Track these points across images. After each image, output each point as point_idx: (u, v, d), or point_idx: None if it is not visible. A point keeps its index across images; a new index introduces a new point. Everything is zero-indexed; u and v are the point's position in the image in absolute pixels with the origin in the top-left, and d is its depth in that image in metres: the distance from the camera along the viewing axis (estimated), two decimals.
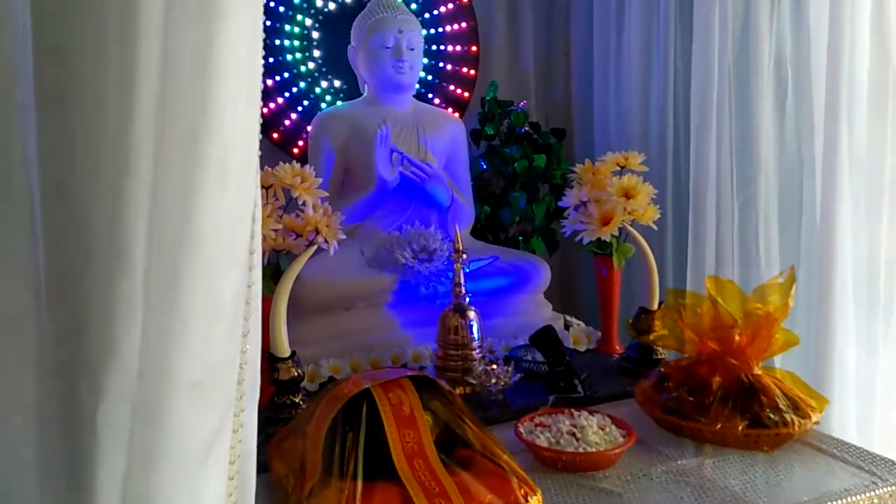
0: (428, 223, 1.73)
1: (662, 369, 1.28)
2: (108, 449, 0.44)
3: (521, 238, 2.01)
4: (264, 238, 1.26)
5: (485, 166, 1.94)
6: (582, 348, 1.66)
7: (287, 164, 1.32)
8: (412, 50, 1.70)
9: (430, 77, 2.05)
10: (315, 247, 1.27)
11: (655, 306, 1.50)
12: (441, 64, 2.07)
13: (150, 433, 0.46)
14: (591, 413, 1.19)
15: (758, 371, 1.18)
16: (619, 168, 1.61)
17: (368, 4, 1.75)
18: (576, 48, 2.24)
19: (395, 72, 1.68)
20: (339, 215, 1.39)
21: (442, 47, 2.06)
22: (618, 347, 1.64)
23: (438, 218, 1.76)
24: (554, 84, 2.29)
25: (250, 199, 0.53)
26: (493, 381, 1.31)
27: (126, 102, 0.45)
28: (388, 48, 1.68)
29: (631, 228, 1.52)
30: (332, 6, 1.93)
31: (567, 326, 1.76)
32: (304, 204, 1.29)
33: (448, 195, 1.72)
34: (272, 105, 1.90)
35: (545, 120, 2.15)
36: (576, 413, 1.18)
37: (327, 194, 1.35)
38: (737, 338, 1.17)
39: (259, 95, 0.55)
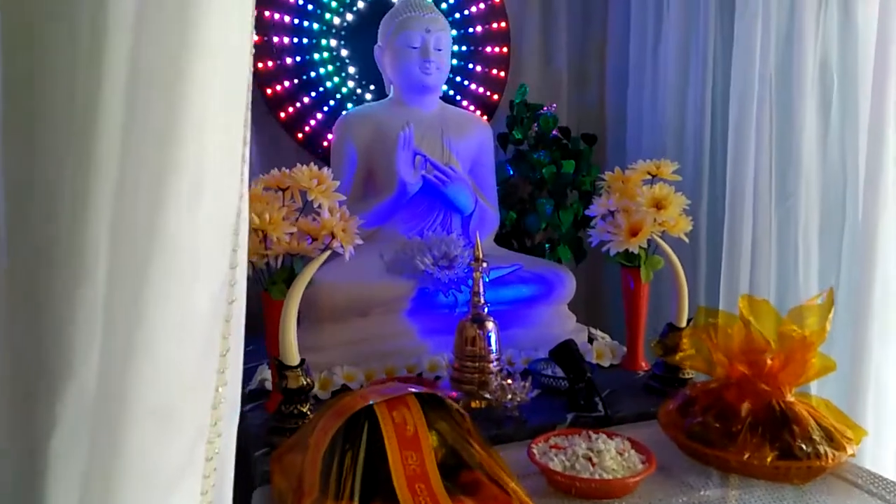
0: (451, 229, 1.68)
1: (689, 391, 1.21)
2: (61, 482, 0.41)
3: (547, 246, 1.95)
4: (278, 241, 1.23)
5: (511, 171, 1.89)
6: (606, 363, 1.60)
7: (305, 165, 1.28)
8: (439, 50, 1.66)
9: (458, 78, 2.00)
10: (329, 251, 1.23)
11: (684, 323, 1.43)
12: (471, 65, 2.02)
13: (108, 464, 0.42)
14: (609, 436, 1.13)
15: (790, 398, 1.11)
16: (650, 177, 1.55)
17: (396, 3, 1.72)
18: (611, 51, 2.17)
19: (422, 72, 1.64)
20: (356, 219, 1.36)
21: (472, 48, 2.01)
22: (644, 364, 1.57)
23: (461, 224, 1.71)
24: (587, 88, 2.22)
25: (231, 208, 0.49)
26: (509, 396, 1.26)
27: (91, 99, 0.41)
28: (414, 48, 1.64)
29: (660, 240, 1.46)
30: (360, 4, 1.89)
31: (591, 340, 1.70)
32: (319, 207, 1.26)
33: (471, 200, 1.67)
34: (297, 105, 1.88)
35: (576, 125, 2.09)
36: (593, 435, 1.13)
37: (344, 197, 1.31)
38: (769, 361, 1.10)
39: (246, 95, 0.51)
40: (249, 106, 0.53)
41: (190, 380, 0.45)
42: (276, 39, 1.83)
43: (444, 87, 1.97)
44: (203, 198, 0.44)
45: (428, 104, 1.71)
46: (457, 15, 1.99)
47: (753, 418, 1.09)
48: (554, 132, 1.91)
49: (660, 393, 1.40)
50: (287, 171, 1.28)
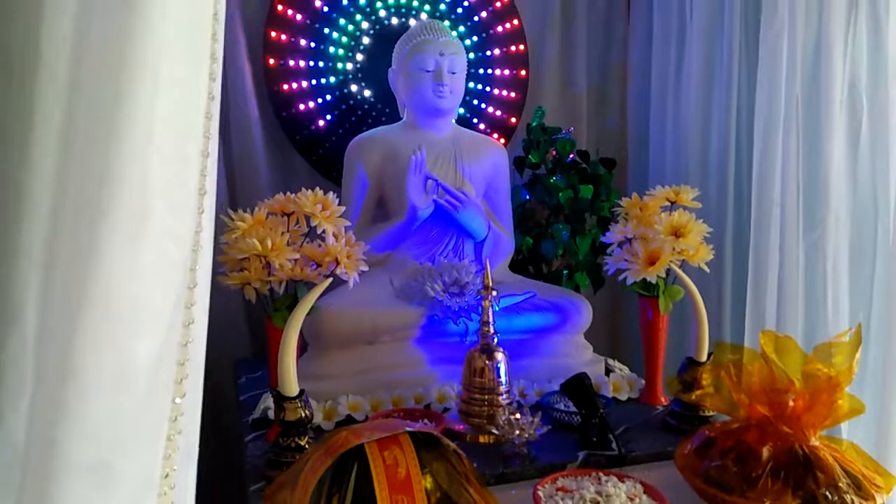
0: (463, 255, 1.64)
1: (707, 432, 1.14)
2: None
3: (565, 273, 1.89)
4: (281, 267, 1.20)
5: (527, 196, 1.84)
6: (623, 397, 1.53)
7: (311, 190, 1.26)
8: (454, 74, 1.63)
9: (475, 101, 1.97)
10: (330, 279, 1.19)
11: (704, 358, 1.36)
12: (488, 88, 1.99)
13: None
14: (621, 478, 1.07)
15: (815, 442, 1.03)
16: (669, 203, 1.49)
17: (411, 27, 1.69)
18: (633, 74, 2.12)
19: (435, 96, 1.61)
20: (362, 245, 1.32)
21: (489, 71, 1.98)
22: (663, 399, 1.50)
23: (474, 249, 1.67)
24: (607, 112, 2.18)
25: (184, 244, 0.45)
26: (517, 432, 1.20)
27: (25, 128, 0.38)
28: (428, 71, 1.61)
29: (678, 270, 1.40)
30: (381, 22, 1.88)
31: (608, 371, 1.63)
32: (324, 233, 1.22)
33: (484, 226, 1.63)
34: (311, 127, 1.86)
35: (596, 149, 2.04)
36: (604, 478, 1.07)
37: (349, 223, 1.28)
38: (791, 403, 1.03)
39: (203, 123, 0.47)
40: (214, 136, 0.49)
41: (129, 432, 0.42)
42: (291, 62, 1.82)
43: (461, 111, 1.95)
44: (146, 237, 0.41)
45: (441, 128, 1.68)
46: (475, 38, 1.97)
47: (775, 463, 1.02)
48: (572, 156, 1.86)
49: (678, 431, 1.33)
50: (291, 195, 1.25)
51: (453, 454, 0.89)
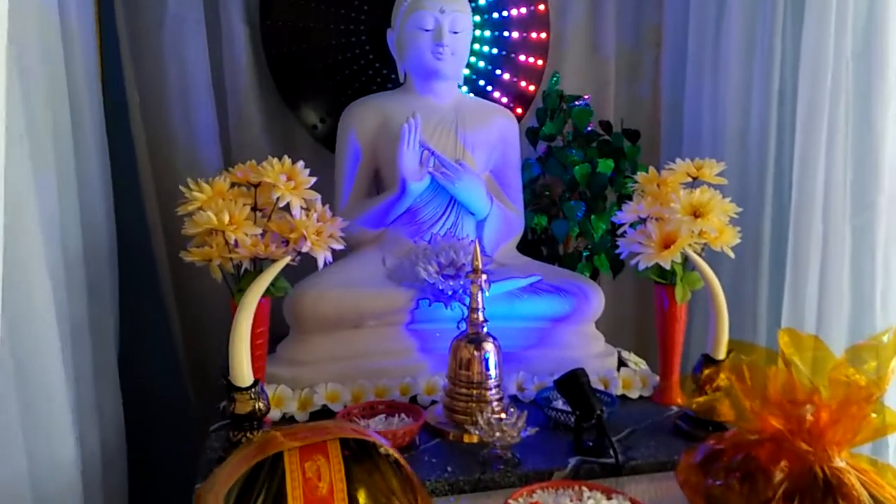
0: (463, 234, 1.50)
1: (714, 443, 0.99)
2: None
3: (585, 254, 1.74)
4: (241, 243, 1.09)
5: (537, 171, 1.68)
6: (634, 395, 1.38)
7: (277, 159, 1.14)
8: (456, 33, 1.48)
9: (489, 67, 1.82)
10: (288, 258, 1.08)
11: (721, 355, 1.20)
12: (504, 52, 1.83)
13: None
14: (608, 494, 0.93)
15: (839, 462, 0.87)
16: (690, 179, 1.32)
17: None
18: (668, 38, 1.92)
19: (434, 57, 1.47)
20: (338, 221, 1.20)
21: (506, 34, 1.82)
22: (679, 399, 1.34)
23: (475, 228, 1.53)
24: (638, 79, 1.99)
25: None
26: (497, 434, 1.07)
27: None
28: (426, 31, 1.46)
29: (694, 255, 1.23)
30: None
31: (621, 365, 1.48)
32: (287, 206, 1.11)
33: (485, 202, 1.49)
34: (314, 95, 1.74)
35: (624, 120, 1.86)
36: (587, 493, 0.93)
37: (316, 195, 1.16)
38: (809, 417, 0.87)
39: None
40: None
41: None
42: (290, 23, 1.70)
43: (474, 77, 1.79)
44: None
45: (442, 94, 1.54)
46: None
47: (789, 485, 0.87)
48: (590, 127, 1.69)
49: (689, 437, 1.18)
50: (256, 164, 1.14)
51: (395, 465, 0.77)
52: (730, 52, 1.60)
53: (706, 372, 1.19)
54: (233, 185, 1.15)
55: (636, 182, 1.38)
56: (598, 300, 1.45)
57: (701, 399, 1.09)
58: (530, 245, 1.74)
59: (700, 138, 1.71)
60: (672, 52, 1.90)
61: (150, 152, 1.68)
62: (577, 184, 1.62)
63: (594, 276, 1.74)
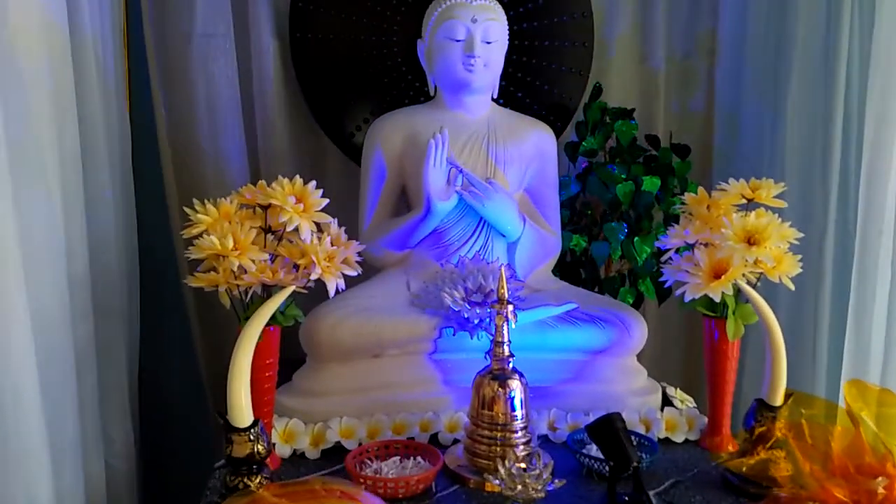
0: (492, 256, 1.41)
1: None
2: None
3: (627, 279, 1.61)
4: (245, 270, 1.02)
5: (575, 189, 1.57)
6: (678, 438, 1.25)
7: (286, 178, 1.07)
8: (488, 43, 1.39)
9: (528, 77, 1.71)
10: (292, 288, 1.00)
11: (778, 401, 1.06)
12: (544, 62, 1.72)
13: None
14: None
15: None
16: (745, 202, 1.19)
17: None
18: (723, 46, 1.78)
19: (465, 69, 1.38)
20: (354, 245, 1.12)
21: (546, 42, 1.71)
22: (730, 445, 1.21)
23: (507, 251, 1.42)
24: (690, 91, 1.85)
25: None
26: (520, 487, 0.96)
27: None
28: (457, 41, 1.38)
29: (747, 287, 1.10)
30: None
31: (665, 404, 1.35)
32: (295, 230, 1.03)
33: (517, 223, 1.39)
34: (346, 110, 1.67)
35: (674, 135, 1.73)
36: None
37: (330, 218, 1.08)
38: (882, 490, 0.73)
39: None
40: None
41: None
42: (321, 35, 1.63)
43: (511, 88, 1.69)
44: None
45: (474, 108, 1.44)
46: (529, 4, 1.70)
47: None
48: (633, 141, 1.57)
49: (740, 493, 1.04)
50: (265, 186, 1.07)
51: None
52: (792, 61, 1.46)
53: (761, 419, 1.05)
54: (242, 206, 1.09)
55: (683, 203, 1.25)
56: (639, 332, 1.33)
57: (752, 461, 0.95)
58: (569, 268, 1.62)
59: (761, 155, 1.56)
60: (728, 61, 1.76)
61: (175, 169, 1.64)
62: (620, 203, 1.50)
63: (638, 301, 1.62)
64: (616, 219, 1.52)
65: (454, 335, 1.27)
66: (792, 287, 1.14)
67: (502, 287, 1.11)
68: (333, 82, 1.65)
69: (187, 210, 1.05)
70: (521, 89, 1.70)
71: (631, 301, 1.58)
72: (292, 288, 0.99)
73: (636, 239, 1.50)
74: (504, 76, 1.50)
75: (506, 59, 1.47)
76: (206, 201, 1.05)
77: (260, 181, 1.07)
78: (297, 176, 1.08)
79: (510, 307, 1.11)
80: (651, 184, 1.50)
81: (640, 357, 1.40)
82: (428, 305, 1.31)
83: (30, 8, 0.98)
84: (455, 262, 1.39)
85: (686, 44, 1.84)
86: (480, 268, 1.35)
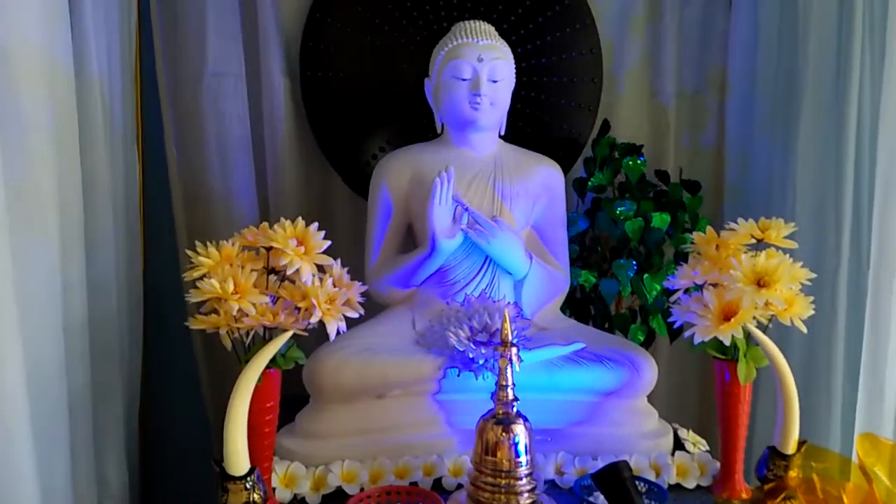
0: (499, 294, 1.39)
1: None
2: None
3: (638, 315, 1.59)
4: (245, 313, 1.01)
5: (584, 225, 1.55)
6: (690, 484, 1.22)
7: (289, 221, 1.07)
8: (495, 82, 1.39)
9: (537, 113, 1.71)
10: (290, 332, 0.99)
11: (791, 449, 1.02)
12: (552, 98, 1.72)
13: None
14: None
15: None
16: (754, 241, 1.17)
17: (451, 29, 1.47)
18: (734, 81, 1.77)
19: (471, 107, 1.38)
20: (357, 286, 1.11)
21: (555, 79, 1.71)
22: (743, 493, 1.17)
23: (513, 288, 1.41)
24: (701, 126, 1.83)
25: None
26: None
27: None
28: (464, 80, 1.38)
29: (756, 331, 1.07)
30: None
31: (677, 446, 1.32)
32: (296, 272, 1.02)
33: (523, 261, 1.38)
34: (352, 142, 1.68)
35: (678, 169, 1.71)
36: None
37: (331, 260, 1.07)
38: None
39: None
40: None
41: None
42: (330, 73, 1.65)
43: (519, 124, 1.69)
44: None
45: (480, 145, 1.44)
46: (538, 41, 1.71)
47: None
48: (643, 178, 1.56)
49: None
50: (268, 228, 1.06)
51: None
52: (802, 97, 1.45)
53: (773, 468, 1.02)
54: (245, 248, 1.08)
55: (692, 242, 1.23)
56: (649, 373, 1.30)
57: None
58: (578, 304, 1.60)
59: (771, 192, 1.54)
60: (739, 97, 1.75)
61: (185, 207, 1.65)
62: (629, 239, 1.48)
63: (650, 338, 1.59)
64: (625, 255, 1.50)
65: (458, 376, 1.25)
66: (804, 330, 1.11)
67: (506, 329, 1.09)
68: (343, 119, 1.66)
69: (189, 253, 1.05)
70: (529, 125, 1.70)
71: (642, 339, 1.55)
72: (290, 332, 0.98)
73: (646, 276, 1.48)
74: (513, 112, 1.49)
75: (515, 95, 1.47)
76: (208, 244, 1.05)
77: (263, 223, 1.07)
78: (300, 218, 1.07)
79: (514, 349, 1.09)
80: (661, 220, 1.48)
81: (652, 396, 1.36)
82: (433, 345, 1.29)
83: (32, 47, 0.98)
84: (461, 300, 1.37)
85: (696, 79, 1.83)
86: (486, 306, 1.33)
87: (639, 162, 1.53)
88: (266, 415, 1.08)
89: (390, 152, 1.48)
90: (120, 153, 1.36)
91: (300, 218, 1.07)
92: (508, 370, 1.09)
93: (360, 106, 1.65)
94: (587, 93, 1.72)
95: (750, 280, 1.09)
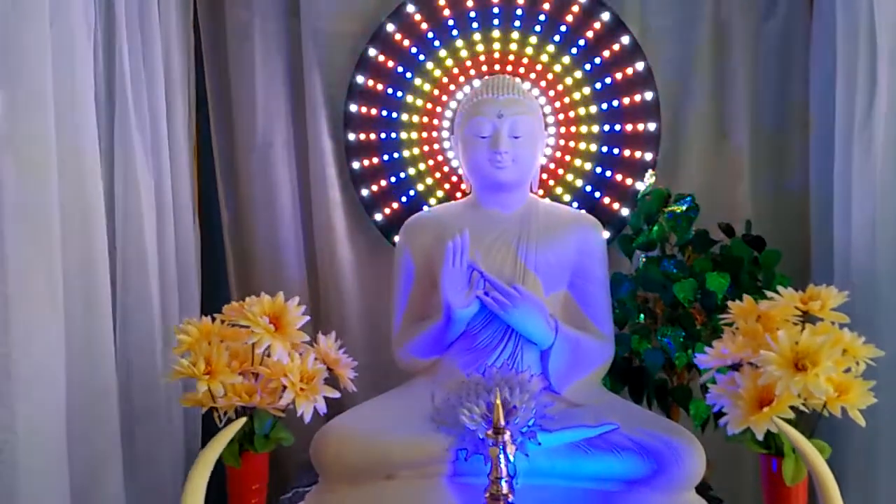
0: (522, 365, 1.27)
1: None
2: None
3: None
4: (215, 394, 0.98)
5: (626, 288, 1.40)
6: None
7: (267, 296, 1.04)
8: (517, 138, 1.30)
9: (592, 165, 1.60)
10: (244, 419, 0.94)
11: None
12: (607, 149, 1.60)
13: None
14: None
15: None
16: (800, 313, 0.98)
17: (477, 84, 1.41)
18: (815, 118, 1.55)
19: (493, 167, 1.30)
20: (347, 361, 1.06)
21: (606, 127, 1.60)
22: None
23: (540, 359, 1.29)
24: (783, 169, 1.63)
25: None
26: None
27: None
28: (483, 138, 1.31)
29: (786, 426, 0.89)
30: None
31: None
32: (267, 353, 0.99)
33: (546, 331, 1.25)
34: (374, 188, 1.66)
35: (762, 221, 1.51)
36: None
37: (306, 337, 1.03)
38: None
39: None
40: None
41: None
42: (373, 136, 1.65)
43: (578, 182, 1.59)
44: None
45: (508, 203, 1.35)
46: (597, 85, 1.60)
47: None
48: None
49: None
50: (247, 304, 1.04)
51: None
52: (877, 134, 1.23)
53: None
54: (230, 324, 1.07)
55: (729, 313, 1.06)
56: (693, 462, 1.12)
57: None
58: (632, 374, 1.44)
59: (849, 246, 1.32)
60: (820, 137, 1.53)
61: (236, 268, 1.70)
62: (678, 305, 1.32)
63: (716, 416, 1.39)
64: (675, 320, 1.34)
65: (466, 460, 1.15)
66: (862, 423, 0.91)
67: (497, 414, 0.99)
68: (382, 180, 1.65)
69: (174, 328, 1.05)
70: (588, 181, 1.60)
71: (704, 417, 1.36)
72: (242, 422, 0.93)
73: (699, 345, 1.30)
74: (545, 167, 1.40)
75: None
76: (188, 321, 1.04)
77: (243, 301, 1.05)
78: (280, 293, 1.04)
79: (507, 436, 0.98)
80: (716, 283, 1.30)
81: (711, 483, 1.18)
82: (445, 422, 1.20)
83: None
84: (482, 371, 1.27)
85: (775, 115, 1.63)
86: (507, 379, 1.22)
87: (685, 215, 1.35)
88: (252, 498, 1.04)
89: (414, 215, 1.43)
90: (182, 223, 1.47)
91: (281, 293, 1.04)
92: (502, 460, 0.98)
93: (397, 167, 1.64)
94: (646, 140, 1.58)
95: (786, 361, 0.91)
